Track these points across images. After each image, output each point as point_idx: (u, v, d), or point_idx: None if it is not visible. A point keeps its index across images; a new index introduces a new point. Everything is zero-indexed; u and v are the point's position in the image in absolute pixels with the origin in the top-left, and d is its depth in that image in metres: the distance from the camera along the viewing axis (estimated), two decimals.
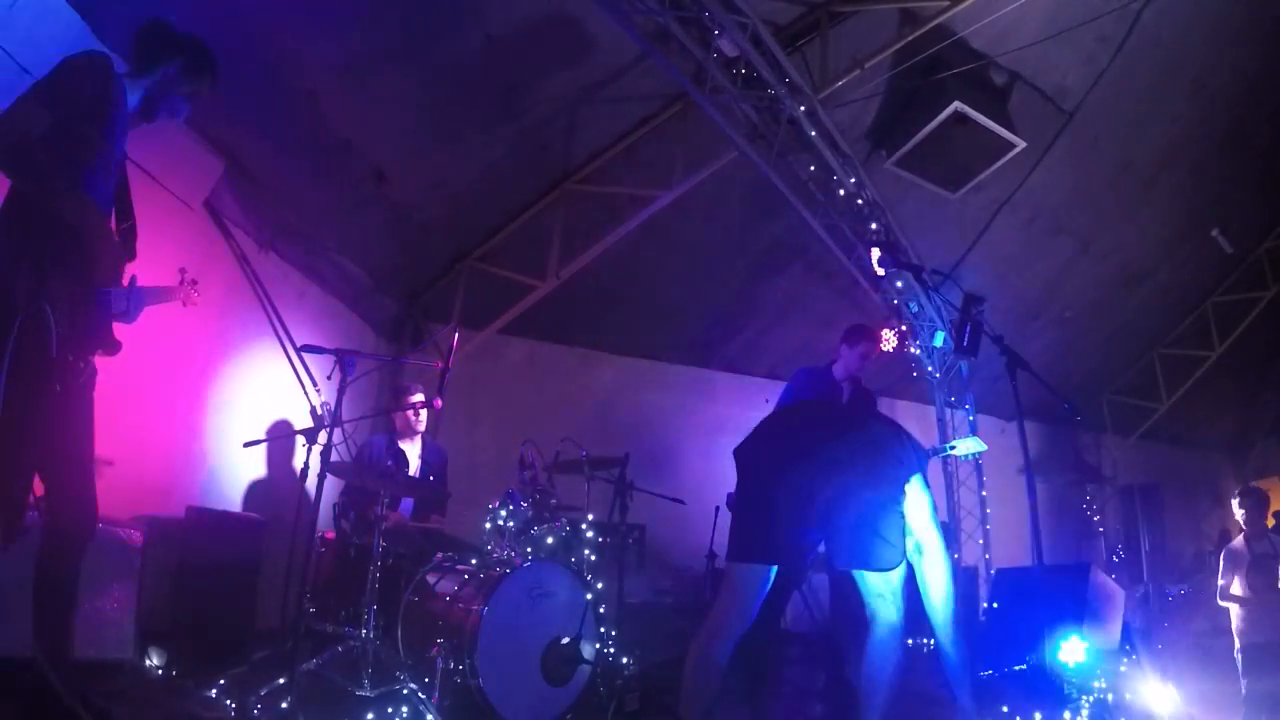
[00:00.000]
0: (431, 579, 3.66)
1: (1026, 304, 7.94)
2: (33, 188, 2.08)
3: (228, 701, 2.92)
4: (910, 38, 4.95)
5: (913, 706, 4.31)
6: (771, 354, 7.49)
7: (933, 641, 6.27)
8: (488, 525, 3.82)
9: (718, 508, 4.49)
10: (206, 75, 2.46)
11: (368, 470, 3.98)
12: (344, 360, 3.14)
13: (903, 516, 2.43)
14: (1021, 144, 5.61)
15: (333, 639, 3.35)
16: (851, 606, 2.59)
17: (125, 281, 2.44)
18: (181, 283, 2.83)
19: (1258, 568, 4.60)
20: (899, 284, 6.71)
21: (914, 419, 7.81)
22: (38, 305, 2.02)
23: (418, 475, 4.49)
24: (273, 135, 4.43)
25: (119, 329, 2.40)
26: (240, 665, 3.40)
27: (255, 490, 4.56)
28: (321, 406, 4.76)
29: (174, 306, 2.88)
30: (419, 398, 4.51)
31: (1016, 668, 4.31)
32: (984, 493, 7.33)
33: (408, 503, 4.48)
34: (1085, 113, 6.20)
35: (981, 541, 7.26)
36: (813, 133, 5.00)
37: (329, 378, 3.27)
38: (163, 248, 3.53)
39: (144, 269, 2.53)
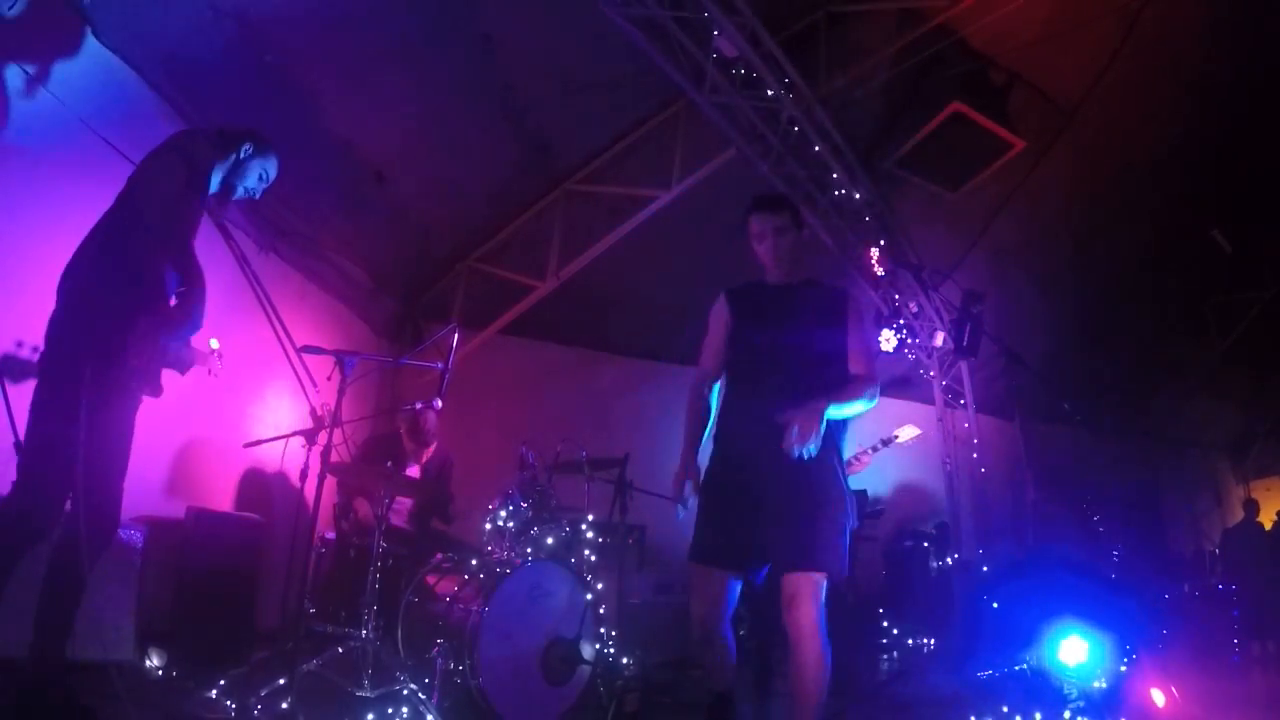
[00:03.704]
0: (431, 579, 3.66)
1: (1026, 304, 7.94)
2: (160, 228, 2.36)
3: (228, 702, 2.92)
4: (910, 38, 4.95)
5: (912, 707, 4.33)
6: None
7: (932, 641, 6.30)
8: (488, 526, 3.82)
9: None
10: (271, 154, 2.83)
11: (367, 470, 3.98)
12: (344, 361, 3.14)
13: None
14: (1021, 144, 5.61)
15: (333, 639, 3.34)
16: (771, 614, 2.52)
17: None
18: (213, 353, 3.06)
19: None
20: (899, 283, 6.71)
21: (914, 419, 7.81)
22: (122, 342, 2.24)
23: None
24: (272, 136, 4.42)
25: None
26: (240, 665, 3.40)
27: (255, 490, 4.56)
28: (321, 407, 4.75)
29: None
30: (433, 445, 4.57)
31: (1016, 668, 4.31)
32: (984, 493, 7.33)
33: (403, 505, 4.46)
34: (1085, 113, 6.20)
35: (981, 541, 7.26)
36: (812, 133, 5.00)
37: (329, 378, 3.28)
38: None
39: None
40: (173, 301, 2.44)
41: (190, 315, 2.43)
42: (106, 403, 2.23)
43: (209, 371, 3.03)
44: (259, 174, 2.81)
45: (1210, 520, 10.79)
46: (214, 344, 3.06)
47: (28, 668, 2.22)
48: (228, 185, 2.74)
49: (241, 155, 2.74)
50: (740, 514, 2.46)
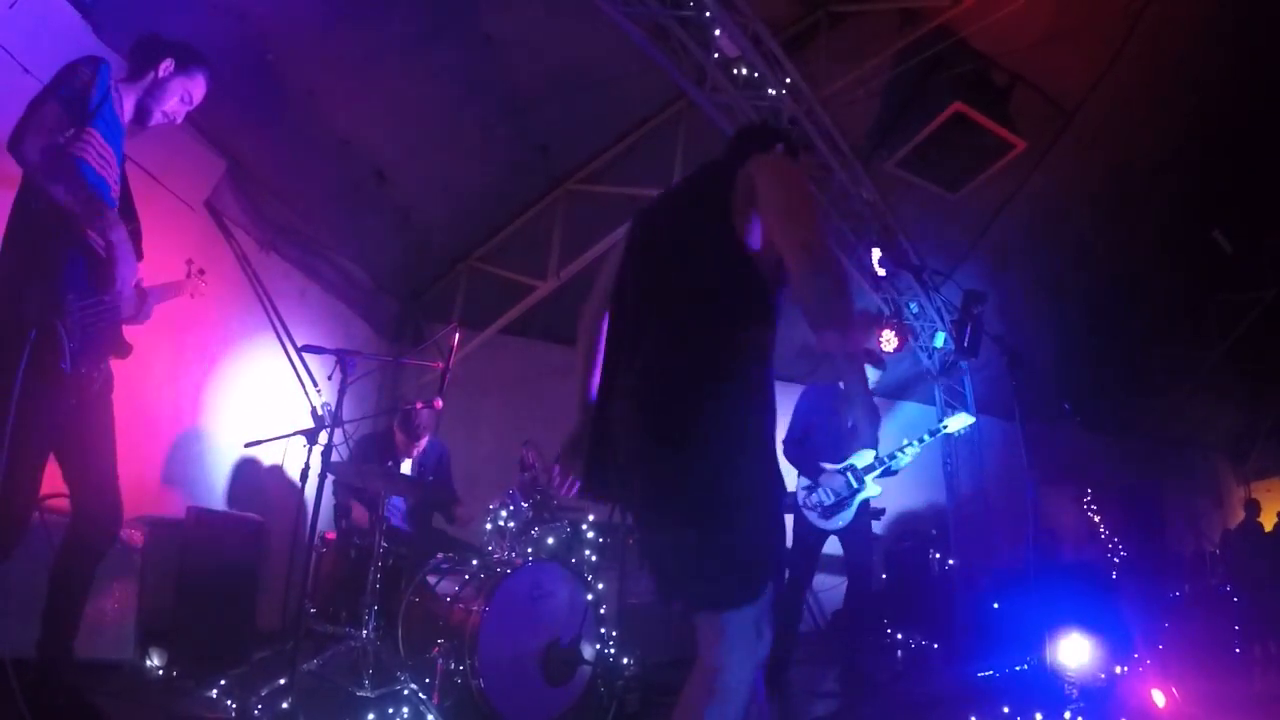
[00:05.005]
0: (432, 580, 3.66)
1: (1026, 304, 7.94)
2: (66, 197, 2.08)
3: (228, 701, 2.92)
4: (911, 38, 4.95)
5: (913, 707, 4.33)
6: None
7: (933, 641, 6.29)
8: (488, 526, 3.82)
9: None
10: (196, 72, 2.47)
11: (366, 469, 3.98)
12: (344, 360, 3.14)
13: None
14: (1022, 144, 5.60)
15: (333, 639, 3.35)
16: None
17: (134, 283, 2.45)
18: (189, 275, 2.87)
19: None
20: (899, 284, 6.71)
21: (915, 419, 7.82)
22: (49, 322, 2.02)
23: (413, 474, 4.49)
24: (273, 135, 4.43)
25: (130, 329, 2.42)
26: (240, 665, 3.40)
27: (255, 490, 4.56)
28: (322, 406, 4.75)
29: (175, 305, 2.89)
30: (424, 439, 4.52)
31: (1016, 668, 4.31)
32: (984, 493, 7.33)
33: (397, 503, 4.44)
34: (1087, 113, 6.20)
35: (981, 541, 7.25)
36: (813, 133, 5.00)
37: (330, 378, 3.28)
38: (164, 248, 3.53)
39: (145, 269, 2.53)
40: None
41: (113, 280, 2.14)
42: (44, 406, 2.04)
43: (191, 295, 2.88)
44: (180, 95, 2.44)
45: (1210, 521, 10.79)
46: (190, 264, 2.84)
47: (34, 666, 2.22)
48: (142, 109, 2.38)
49: (160, 74, 2.39)
50: None
